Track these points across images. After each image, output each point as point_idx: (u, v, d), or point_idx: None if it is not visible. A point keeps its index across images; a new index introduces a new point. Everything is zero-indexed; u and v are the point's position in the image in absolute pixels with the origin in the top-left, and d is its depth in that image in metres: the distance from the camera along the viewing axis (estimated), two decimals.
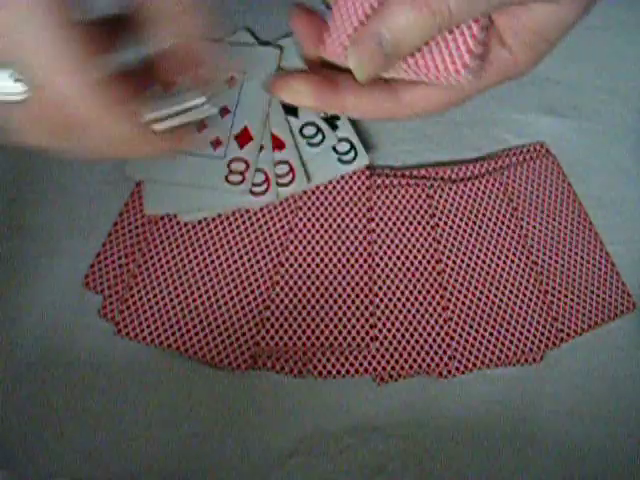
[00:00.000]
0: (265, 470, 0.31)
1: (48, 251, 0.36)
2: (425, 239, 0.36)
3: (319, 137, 0.38)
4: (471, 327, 0.34)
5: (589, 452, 0.33)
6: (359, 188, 0.37)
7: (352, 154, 0.38)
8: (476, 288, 0.35)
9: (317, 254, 0.35)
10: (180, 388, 0.33)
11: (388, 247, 0.36)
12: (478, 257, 0.36)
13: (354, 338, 0.33)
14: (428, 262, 0.36)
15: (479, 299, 0.35)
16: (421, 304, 0.34)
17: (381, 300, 0.34)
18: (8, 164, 0.38)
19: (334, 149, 0.38)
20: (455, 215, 0.37)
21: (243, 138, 0.37)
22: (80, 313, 0.34)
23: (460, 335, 0.34)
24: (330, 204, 0.37)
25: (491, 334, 0.34)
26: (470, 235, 0.36)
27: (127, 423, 0.32)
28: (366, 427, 0.32)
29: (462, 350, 0.34)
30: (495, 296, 0.35)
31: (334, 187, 0.37)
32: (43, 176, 0.37)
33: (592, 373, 0.34)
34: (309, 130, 0.38)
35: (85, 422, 0.32)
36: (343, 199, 0.37)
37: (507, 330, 0.34)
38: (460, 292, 0.35)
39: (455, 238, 0.36)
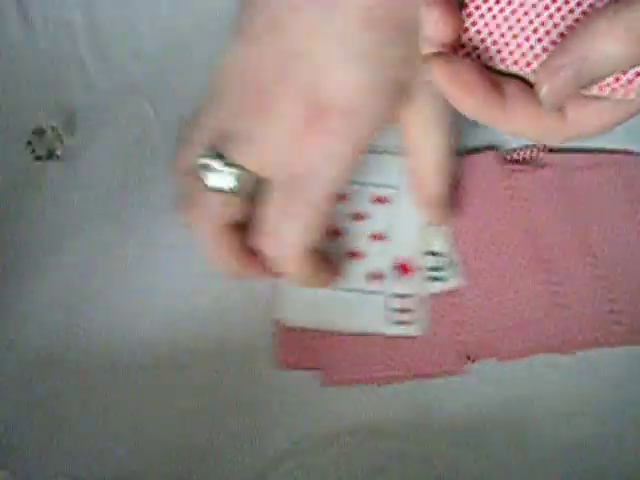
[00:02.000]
0: (262, 470, 0.31)
1: (47, 250, 0.36)
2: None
3: None
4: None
5: (589, 452, 0.33)
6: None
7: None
8: None
9: None
10: (177, 389, 0.33)
11: None
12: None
13: None
14: None
15: None
16: None
17: None
18: (6, 164, 0.38)
19: None
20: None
21: (404, 268, 0.33)
22: (79, 313, 0.34)
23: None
24: None
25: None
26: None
27: (124, 423, 0.32)
28: (364, 427, 0.32)
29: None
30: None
31: None
32: (49, 175, 0.37)
33: (592, 373, 0.34)
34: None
35: (84, 422, 0.32)
36: None
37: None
38: None
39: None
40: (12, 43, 0.40)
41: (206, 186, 0.28)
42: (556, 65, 0.20)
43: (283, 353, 0.33)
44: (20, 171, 0.37)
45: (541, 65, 0.21)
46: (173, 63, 0.39)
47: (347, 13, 0.25)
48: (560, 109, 0.23)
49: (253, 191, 0.29)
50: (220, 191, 0.28)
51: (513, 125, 0.23)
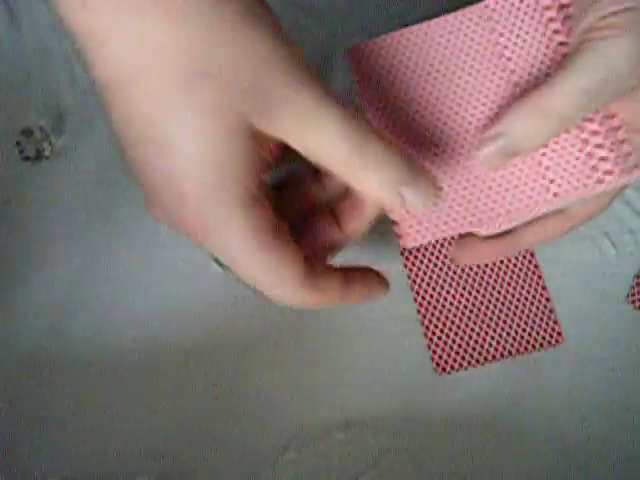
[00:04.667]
0: (257, 467, 0.31)
1: (37, 250, 0.36)
2: None
3: None
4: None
5: (583, 445, 0.33)
6: None
7: None
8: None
9: None
10: (172, 387, 0.33)
11: None
12: None
13: None
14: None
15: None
16: None
17: None
18: (7, 166, 0.38)
19: None
20: None
21: None
22: (71, 312, 0.34)
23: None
24: None
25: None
26: None
27: (120, 423, 0.32)
28: (358, 423, 0.32)
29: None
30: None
31: None
32: (38, 175, 0.37)
33: (586, 366, 0.34)
34: None
35: (78, 422, 0.32)
36: None
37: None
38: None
39: None
40: (0, 45, 0.40)
41: None
42: (486, 138, 0.24)
43: None
44: (9, 172, 0.37)
45: (479, 140, 0.25)
46: None
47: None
48: (562, 211, 0.29)
49: None
50: None
51: (536, 241, 0.30)
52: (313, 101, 0.22)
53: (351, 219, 0.27)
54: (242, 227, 0.22)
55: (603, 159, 0.24)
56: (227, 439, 0.32)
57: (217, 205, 0.21)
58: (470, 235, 0.31)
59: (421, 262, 0.36)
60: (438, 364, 0.34)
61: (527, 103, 0.24)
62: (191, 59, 0.21)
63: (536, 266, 0.36)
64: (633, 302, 0.36)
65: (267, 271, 0.23)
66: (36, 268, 0.35)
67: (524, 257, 0.36)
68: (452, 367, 0.34)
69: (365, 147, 0.22)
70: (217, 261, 0.34)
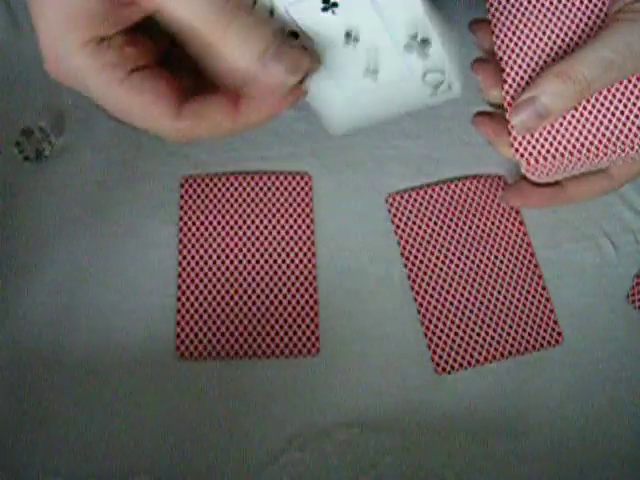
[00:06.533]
0: (258, 467, 0.31)
1: (38, 250, 0.36)
2: None
3: None
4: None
5: (583, 445, 0.33)
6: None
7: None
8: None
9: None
10: (172, 387, 0.33)
11: None
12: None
13: None
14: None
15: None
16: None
17: None
18: (7, 166, 0.37)
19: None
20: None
21: None
22: (76, 312, 0.34)
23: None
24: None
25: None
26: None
27: (120, 422, 0.32)
28: (358, 423, 0.32)
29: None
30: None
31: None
32: (38, 175, 0.37)
33: (586, 366, 0.34)
34: None
35: (79, 422, 0.32)
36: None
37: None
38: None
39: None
40: (0, 45, 0.40)
41: None
42: (519, 102, 0.28)
43: None
44: (9, 172, 0.37)
45: (513, 106, 0.28)
46: None
47: None
48: (605, 173, 0.32)
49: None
50: None
51: (577, 198, 0.34)
52: None
53: None
54: (92, 64, 0.24)
55: None
56: (227, 439, 0.32)
57: (68, 44, 0.23)
58: (524, 179, 0.34)
59: (421, 262, 0.36)
60: (438, 364, 0.34)
61: (556, 69, 0.27)
62: None
63: (536, 266, 0.36)
64: (633, 302, 0.36)
65: (130, 102, 0.24)
66: (36, 268, 0.35)
67: (524, 257, 0.36)
68: (452, 367, 0.34)
69: (232, 17, 0.22)
70: None
